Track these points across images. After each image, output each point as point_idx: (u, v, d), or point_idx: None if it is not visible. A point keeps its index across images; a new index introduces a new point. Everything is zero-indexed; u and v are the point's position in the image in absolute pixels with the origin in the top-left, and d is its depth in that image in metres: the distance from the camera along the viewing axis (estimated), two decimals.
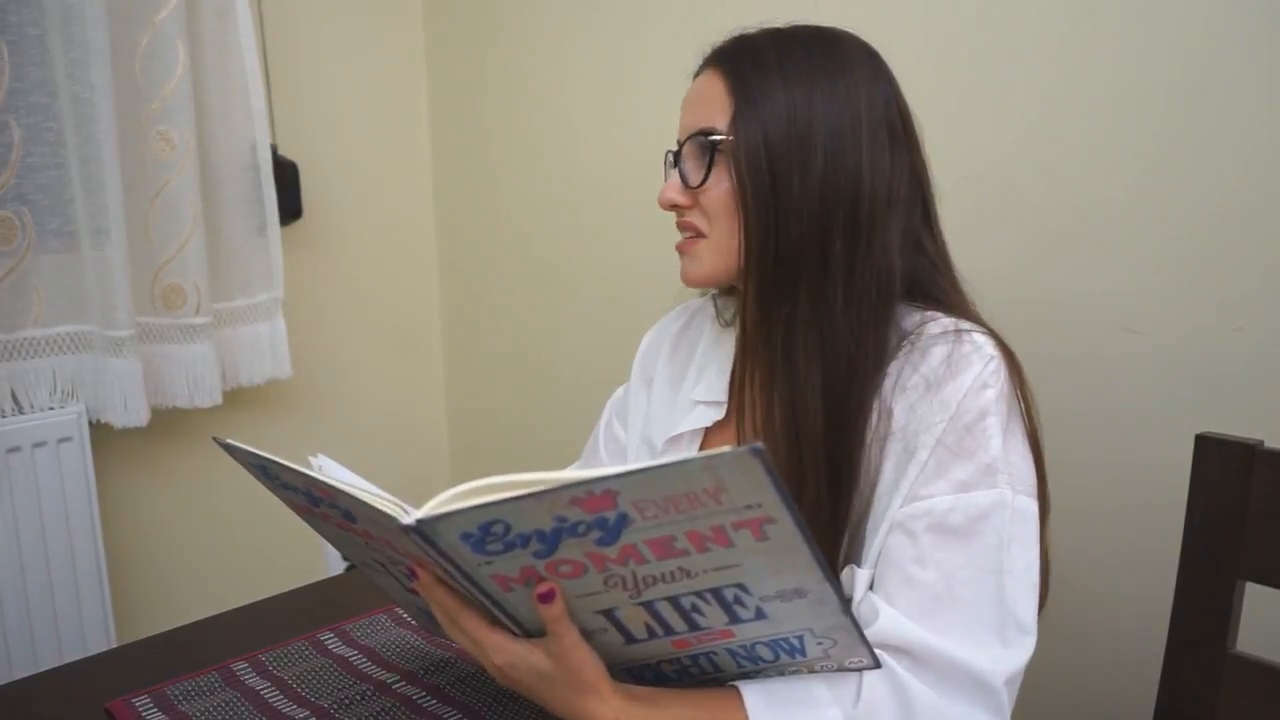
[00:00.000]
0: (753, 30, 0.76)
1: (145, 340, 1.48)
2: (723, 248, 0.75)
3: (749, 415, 0.77)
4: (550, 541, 0.52)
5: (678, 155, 0.77)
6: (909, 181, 0.74)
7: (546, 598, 0.56)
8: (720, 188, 0.74)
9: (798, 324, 0.72)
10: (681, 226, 0.78)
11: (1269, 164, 0.92)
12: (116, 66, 1.37)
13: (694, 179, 0.75)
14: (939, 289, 0.75)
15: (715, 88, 0.74)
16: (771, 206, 0.71)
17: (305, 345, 1.73)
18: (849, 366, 0.71)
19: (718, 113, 0.74)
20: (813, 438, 0.71)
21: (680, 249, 0.79)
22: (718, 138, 0.73)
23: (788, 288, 0.72)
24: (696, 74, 0.79)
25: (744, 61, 0.74)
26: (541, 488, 0.48)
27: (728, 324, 0.88)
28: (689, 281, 0.79)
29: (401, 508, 0.54)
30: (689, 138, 0.76)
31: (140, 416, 1.44)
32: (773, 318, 0.73)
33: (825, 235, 0.71)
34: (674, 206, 0.77)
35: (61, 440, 1.40)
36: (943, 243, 0.79)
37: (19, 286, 1.37)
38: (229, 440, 0.67)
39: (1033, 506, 0.69)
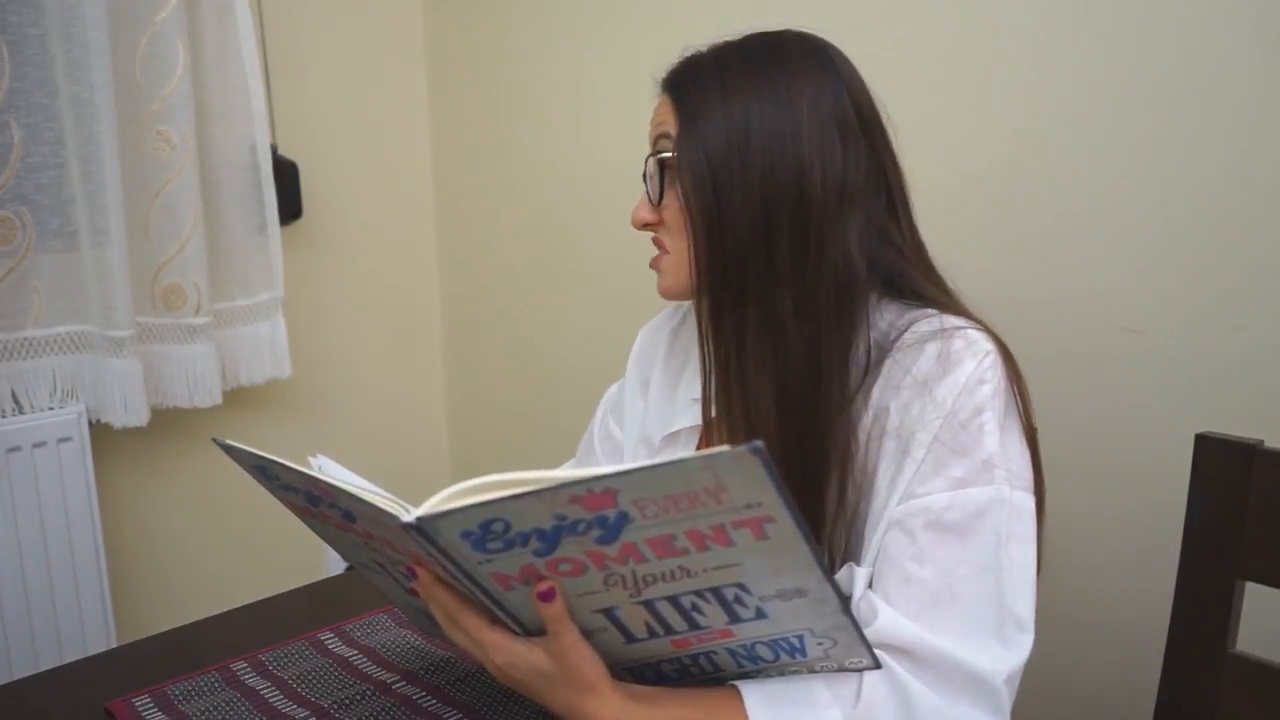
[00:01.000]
0: (702, 49, 0.78)
1: (145, 340, 1.48)
2: (681, 262, 0.77)
3: (716, 429, 0.77)
4: (550, 540, 0.52)
5: (644, 176, 0.79)
6: (867, 174, 0.74)
7: (546, 596, 0.56)
8: (674, 205, 0.76)
9: (747, 334, 0.72)
10: (654, 244, 0.81)
11: (1269, 164, 0.92)
12: (116, 66, 1.37)
13: (654, 198, 0.78)
14: (911, 280, 0.75)
15: (665, 110, 0.77)
16: (716, 219, 0.72)
17: (305, 345, 1.73)
18: (810, 368, 0.70)
19: (668, 127, 0.76)
20: (770, 446, 0.70)
21: (652, 265, 0.81)
22: (665, 155, 0.76)
23: (736, 298, 0.73)
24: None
25: (687, 82, 0.76)
26: (541, 486, 0.48)
27: None
28: (664, 295, 0.81)
29: (402, 506, 0.54)
30: (647, 158, 0.78)
31: (140, 416, 1.44)
32: (725, 329, 0.74)
33: (770, 240, 0.71)
34: (645, 225, 0.80)
35: (61, 440, 1.40)
36: (914, 233, 0.78)
37: (19, 286, 1.37)
38: (229, 441, 0.67)
39: (1030, 502, 0.69)
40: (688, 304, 0.93)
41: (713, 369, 0.76)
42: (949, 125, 1.10)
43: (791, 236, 0.71)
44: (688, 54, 0.78)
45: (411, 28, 1.87)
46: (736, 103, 0.72)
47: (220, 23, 1.50)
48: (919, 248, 0.78)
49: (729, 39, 0.77)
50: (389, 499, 0.56)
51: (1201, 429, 0.78)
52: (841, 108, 0.73)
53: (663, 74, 0.79)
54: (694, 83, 0.75)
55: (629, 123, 1.53)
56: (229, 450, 0.67)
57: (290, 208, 1.66)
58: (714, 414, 0.77)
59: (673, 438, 0.86)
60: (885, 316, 0.74)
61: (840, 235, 0.71)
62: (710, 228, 0.72)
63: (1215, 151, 0.95)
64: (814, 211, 0.71)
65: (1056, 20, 1.03)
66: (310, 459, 0.70)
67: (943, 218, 0.80)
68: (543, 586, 0.56)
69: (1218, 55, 0.93)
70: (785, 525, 0.50)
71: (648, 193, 0.79)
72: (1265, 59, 0.91)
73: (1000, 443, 0.67)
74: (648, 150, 0.79)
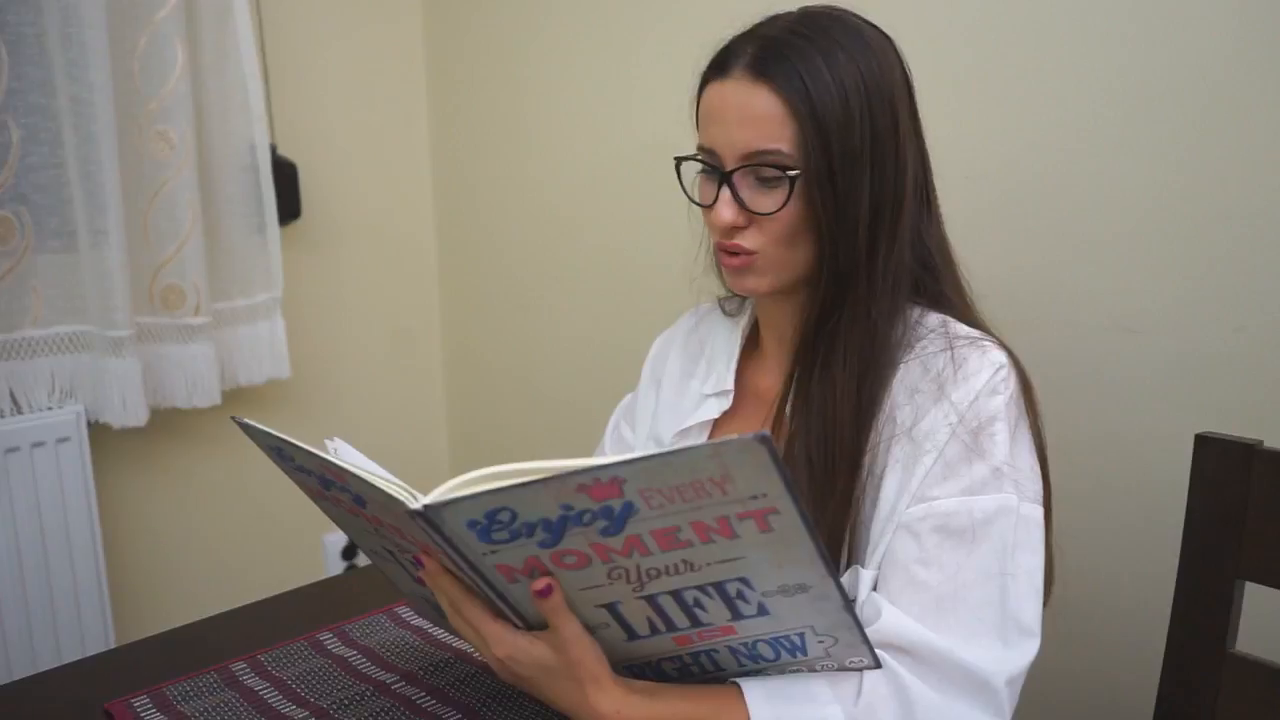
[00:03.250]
0: (775, 28, 0.73)
1: (144, 340, 1.47)
2: (785, 265, 0.74)
3: (782, 434, 0.76)
4: (555, 531, 0.52)
5: (728, 176, 0.72)
6: (917, 171, 0.75)
7: (544, 593, 0.56)
8: (788, 213, 0.72)
9: (839, 338, 0.72)
10: (731, 249, 0.75)
11: (1269, 164, 0.92)
12: (115, 66, 1.36)
13: (760, 205, 0.72)
14: (935, 281, 0.76)
15: (771, 105, 0.70)
16: (838, 228, 0.71)
17: (304, 345, 1.73)
18: (873, 365, 0.71)
19: (781, 136, 0.70)
20: (847, 445, 0.71)
21: (734, 265, 0.75)
22: (794, 172, 0.70)
23: (838, 302, 0.72)
24: (717, 75, 0.73)
25: (797, 75, 0.69)
26: (548, 474, 0.48)
27: (731, 315, 0.88)
28: (751, 293, 0.77)
29: (410, 493, 0.54)
30: (748, 164, 0.71)
31: (139, 416, 1.44)
32: (818, 335, 0.73)
33: (874, 244, 0.71)
34: (731, 228, 0.74)
35: (60, 440, 1.40)
36: (941, 225, 0.79)
37: (17, 286, 1.37)
38: (247, 421, 0.67)
39: (1038, 513, 0.69)
40: (706, 306, 0.93)
41: (801, 377, 0.74)
42: (949, 125, 1.09)
43: (886, 238, 0.71)
44: (766, 34, 0.72)
45: (411, 28, 1.87)
46: (855, 104, 0.69)
47: (219, 22, 1.50)
48: (945, 242, 0.79)
49: (797, 18, 0.73)
50: (399, 485, 0.56)
51: (1201, 429, 0.78)
52: (907, 102, 0.74)
53: (747, 57, 0.71)
54: (809, 81, 0.69)
55: (628, 124, 1.53)
56: (247, 429, 0.67)
57: (289, 208, 1.66)
58: (787, 423, 0.76)
59: (684, 433, 0.86)
60: (907, 318, 0.74)
61: (902, 233, 0.72)
62: (835, 241, 0.71)
63: (1215, 151, 0.95)
64: (904, 212, 0.71)
65: (1056, 19, 1.03)
66: (326, 441, 0.70)
67: (944, 218, 0.80)
68: (539, 584, 0.56)
69: (1218, 55, 0.93)
70: (789, 518, 0.50)
71: (736, 195, 0.72)
72: (1265, 59, 0.91)
73: (1010, 453, 0.68)
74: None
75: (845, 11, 0.75)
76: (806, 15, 0.74)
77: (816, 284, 0.73)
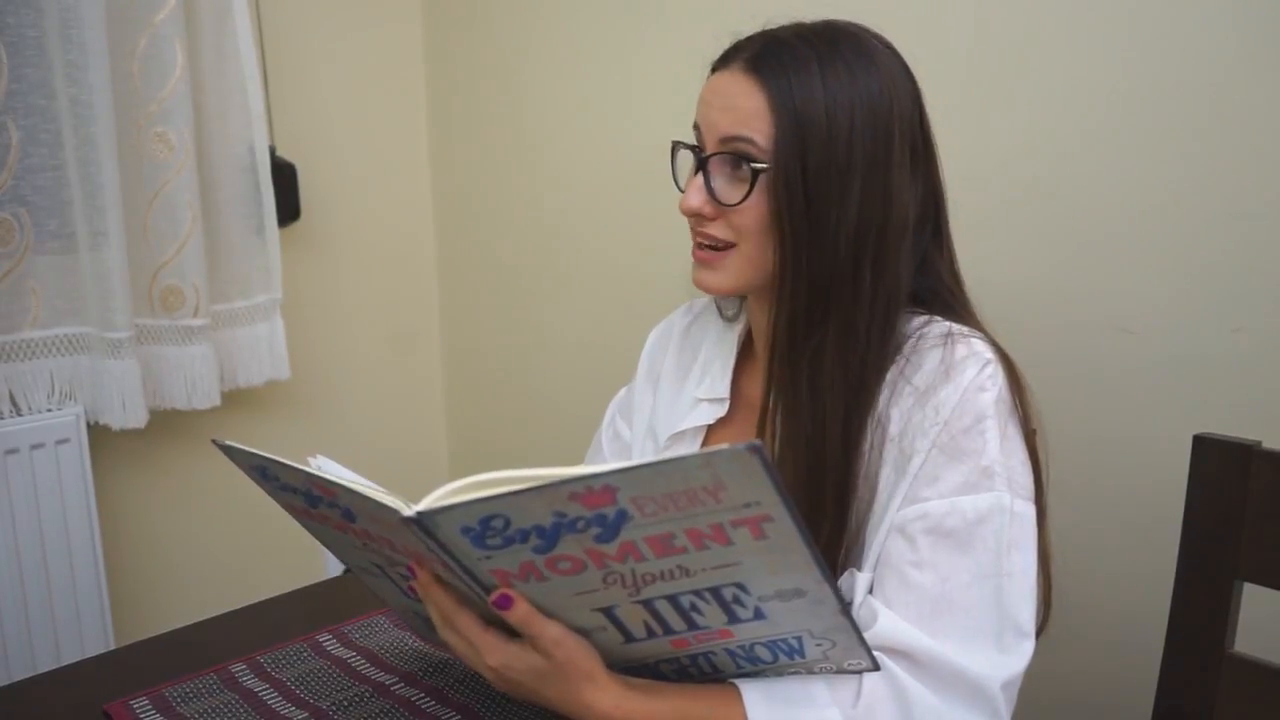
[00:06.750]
0: (786, 31, 0.73)
1: (143, 342, 1.47)
2: (751, 263, 0.74)
3: (768, 442, 0.76)
4: (549, 537, 0.52)
5: (704, 161, 0.74)
6: (922, 201, 0.74)
7: (502, 604, 0.57)
8: (755, 209, 0.72)
9: (825, 357, 0.71)
10: (701, 237, 0.76)
11: (1268, 164, 0.92)
12: (114, 68, 1.36)
13: (727, 196, 0.72)
14: (940, 303, 0.75)
15: (753, 97, 0.70)
16: (806, 236, 0.70)
17: (304, 347, 1.73)
18: (870, 389, 0.71)
19: (755, 127, 0.70)
20: (834, 464, 0.70)
21: (701, 259, 0.76)
22: (760, 166, 0.70)
23: (818, 319, 0.71)
24: (720, 66, 0.75)
25: (785, 75, 0.69)
26: (541, 483, 0.49)
27: (730, 320, 0.88)
28: (709, 290, 0.77)
29: (403, 501, 0.54)
30: (722, 149, 0.72)
31: (138, 418, 1.44)
32: (799, 350, 0.72)
33: (857, 266, 0.70)
34: (696, 215, 0.75)
35: (59, 442, 1.40)
36: (952, 260, 0.78)
37: (17, 288, 1.37)
38: (228, 442, 0.66)
39: (1031, 511, 0.69)
40: (701, 303, 0.93)
41: (782, 383, 0.73)
42: (947, 126, 1.09)
43: (874, 264, 0.70)
44: (774, 35, 0.73)
45: (410, 29, 1.87)
46: (842, 113, 0.68)
47: (218, 24, 1.50)
48: (956, 275, 0.78)
49: (811, 27, 0.73)
50: (389, 495, 0.56)
51: (1199, 430, 0.78)
52: (914, 130, 0.73)
53: (748, 52, 0.72)
54: (794, 75, 0.69)
55: (629, 125, 1.54)
56: (228, 451, 0.66)
57: (289, 209, 1.66)
58: (769, 426, 0.75)
59: (678, 436, 0.86)
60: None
61: (898, 262, 0.71)
62: (799, 247, 0.70)
63: (1213, 152, 0.95)
64: (892, 240, 0.70)
65: (1056, 21, 1.04)
66: (310, 459, 0.70)
67: None
68: (496, 595, 0.57)
69: (1216, 56, 0.93)
70: (784, 525, 0.50)
71: (708, 184, 0.73)
72: (1264, 60, 0.91)
73: (1001, 450, 0.67)
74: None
75: (866, 32, 0.73)
76: (822, 25, 0.73)
77: (784, 290, 0.72)
